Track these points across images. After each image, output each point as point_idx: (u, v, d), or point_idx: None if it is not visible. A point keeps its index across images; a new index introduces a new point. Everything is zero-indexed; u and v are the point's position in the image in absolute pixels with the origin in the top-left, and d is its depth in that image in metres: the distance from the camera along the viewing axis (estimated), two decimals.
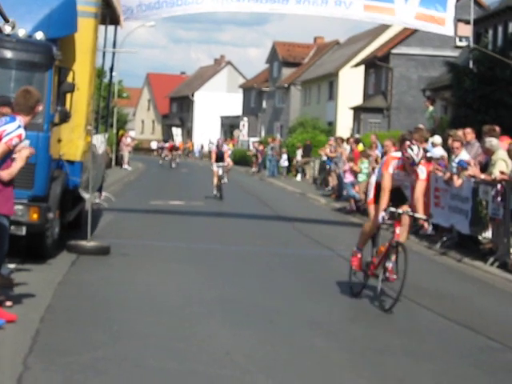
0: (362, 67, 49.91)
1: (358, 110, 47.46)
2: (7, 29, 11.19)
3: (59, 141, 12.03)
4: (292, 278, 11.89)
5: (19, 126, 7.91)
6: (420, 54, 44.90)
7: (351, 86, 51.88)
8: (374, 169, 17.21)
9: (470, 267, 13.44)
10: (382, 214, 9.51)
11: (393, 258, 9.68)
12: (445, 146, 16.71)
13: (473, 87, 23.19)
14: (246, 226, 18.64)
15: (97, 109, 15.77)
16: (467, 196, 14.28)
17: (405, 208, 9.90)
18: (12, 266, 9.88)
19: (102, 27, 14.08)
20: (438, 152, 16.73)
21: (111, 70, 17.37)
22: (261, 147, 49.10)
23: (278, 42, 69.79)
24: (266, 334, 8.19)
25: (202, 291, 10.24)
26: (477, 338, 8.64)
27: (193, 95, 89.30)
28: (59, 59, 11.54)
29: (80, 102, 12.30)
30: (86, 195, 13.20)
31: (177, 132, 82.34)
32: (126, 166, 44.40)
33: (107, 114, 19.70)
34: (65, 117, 11.56)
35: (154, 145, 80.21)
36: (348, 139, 28.98)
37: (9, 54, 11.20)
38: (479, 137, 15.23)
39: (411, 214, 9.79)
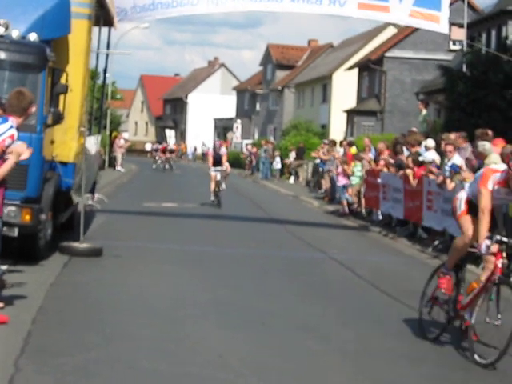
0: (356, 70, 49.95)
1: (351, 113, 47.50)
2: (0, 30, 11.17)
3: (52, 142, 12.00)
4: (285, 280, 11.89)
5: (11, 127, 7.88)
6: (413, 58, 44.95)
7: (345, 88, 51.90)
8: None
9: None
10: (486, 242, 7.69)
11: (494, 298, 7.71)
12: (438, 149, 16.75)
13: (466, 91, 23.22)
14: (240, 228, 18.65)
15: (90, 110, 15.73)
16: None
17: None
18: (4, 267, 9.83)
19: (95, 29, 14.05)
20: (430, 156, 16.78)
21: (105, 71, 17.34)
22: (254, 149, 49.06)
23: (271, 45, 69.83)
24: (259, 337, 8.18)
25: (195, 293, 10.23)
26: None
27: (186, 97, 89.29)
28: (53, 60, 11.51)
29: (73, 104, 12.28)
30: (77, 199, 13.16)
31: (170, 134, 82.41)
32: (119, 167, 44.35)
33: (100, 115, 19.67)
34: (58, 118, 11.53)
35: (148, 146, 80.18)
36: (341, 142, 29.00)
37: (2, 55, 11.15)
38: (472, 140, 15.25)
39: None
